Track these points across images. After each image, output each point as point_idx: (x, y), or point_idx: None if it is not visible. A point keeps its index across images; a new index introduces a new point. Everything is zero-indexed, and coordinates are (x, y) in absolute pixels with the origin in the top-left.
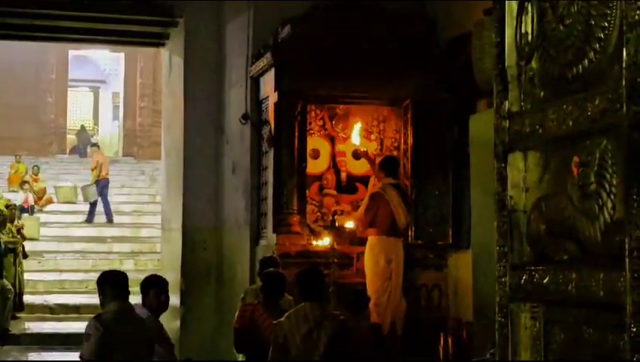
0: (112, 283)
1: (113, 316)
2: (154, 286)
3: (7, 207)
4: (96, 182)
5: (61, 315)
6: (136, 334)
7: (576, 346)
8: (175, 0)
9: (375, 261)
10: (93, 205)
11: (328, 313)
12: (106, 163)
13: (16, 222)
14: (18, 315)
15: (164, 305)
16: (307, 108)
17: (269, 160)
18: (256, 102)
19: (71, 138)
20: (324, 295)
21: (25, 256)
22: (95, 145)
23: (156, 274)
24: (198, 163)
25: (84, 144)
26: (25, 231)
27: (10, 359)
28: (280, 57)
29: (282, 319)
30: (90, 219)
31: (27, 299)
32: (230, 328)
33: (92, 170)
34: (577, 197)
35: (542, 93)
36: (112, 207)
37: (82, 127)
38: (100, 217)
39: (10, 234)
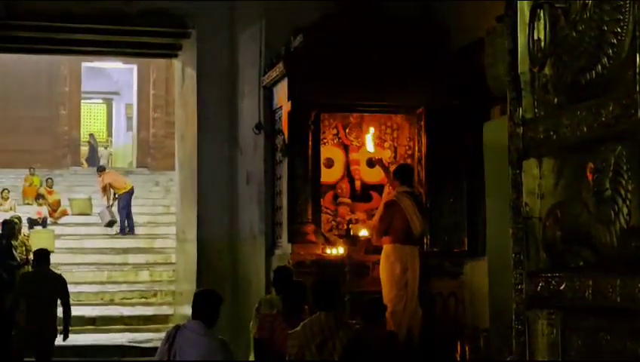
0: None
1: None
2: (219, 301)
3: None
4: (118, 199)
5: (77, 327)
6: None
7: (594, 353)
8: (187, 11)
9: (391, 269)
10: (121, 217)
11: (343, 322)
12: (116, 181)
13: (22, 235)
14: None
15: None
16: (320, 117)
17: (283, 169)
18: (270, 111)
19: (84, 150)
20: (339, 304)
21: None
22: (102, 168)
23: (212, 290)
24: (212, 173)
25: (95, 149)
26: (40, 244)
27: None
28: (293, 67)
29: (297, 329)
30: (124, 231)
31: None
32: (246, 338)
33: (102, 194)
34: (592, 204)
35: (555, 100)
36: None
37: (91, 135)
38: (116, 228)
39: (24, 248)
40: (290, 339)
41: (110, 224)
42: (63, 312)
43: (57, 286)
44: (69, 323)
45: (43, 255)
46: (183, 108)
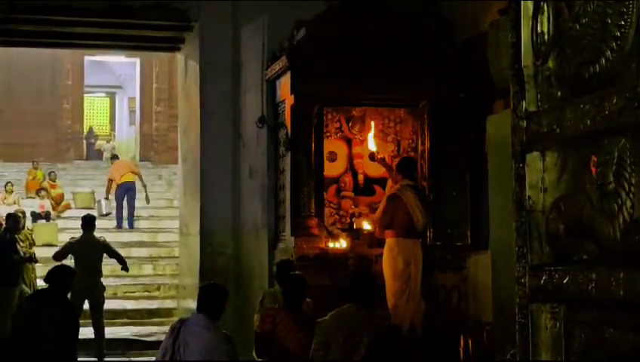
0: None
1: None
2: (225, 295)
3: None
4: (118, 186)
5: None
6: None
7: (597, 346)
8: (190, 4)
9: (393, 263)
10: (117, 211)
11: (373, 316)
12: (117, 170)
13: (25, 229)
14: None
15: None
16: (323, 110)
17: (286, 163)
18: (273, 105)
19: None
20: (372, 300)
21: (35, 261)
22: (115, 156)
23: (218, 284)
24: (215, 167)
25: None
26: (44, 238)
27: None
28: (295, 60)
29: (326, 317)
30: (119, 225)
31: None
32: (249, 332)
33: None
34: (596, 197)
35: (559, 93)
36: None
37: (90, 128)
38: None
39: (28, 242)
40: (317, 328)
41: (103, 215)
42: (119, 262)
43: (103, 251)
44: (127, 267)
45: (88, 221)
46: (186, 101)
